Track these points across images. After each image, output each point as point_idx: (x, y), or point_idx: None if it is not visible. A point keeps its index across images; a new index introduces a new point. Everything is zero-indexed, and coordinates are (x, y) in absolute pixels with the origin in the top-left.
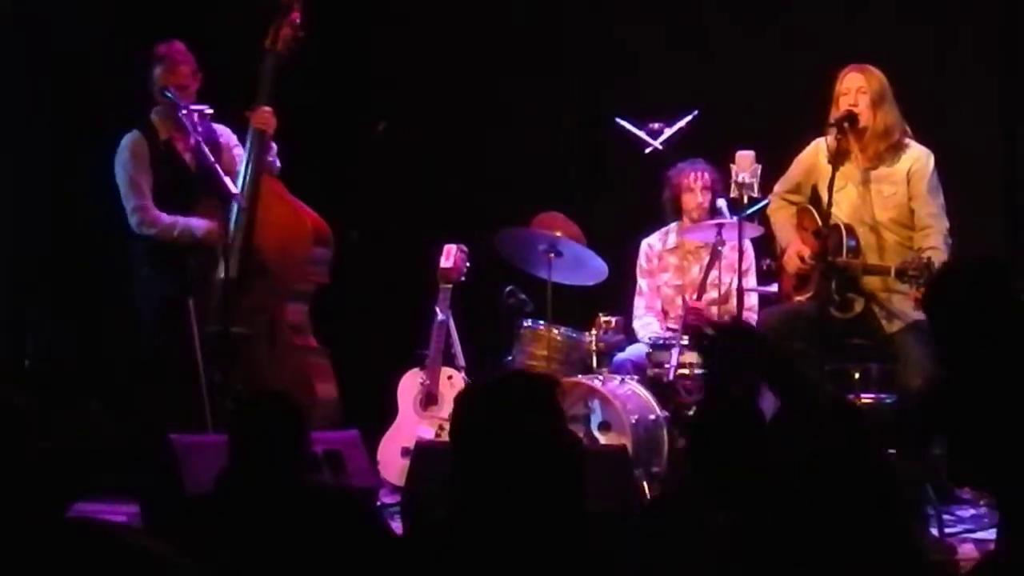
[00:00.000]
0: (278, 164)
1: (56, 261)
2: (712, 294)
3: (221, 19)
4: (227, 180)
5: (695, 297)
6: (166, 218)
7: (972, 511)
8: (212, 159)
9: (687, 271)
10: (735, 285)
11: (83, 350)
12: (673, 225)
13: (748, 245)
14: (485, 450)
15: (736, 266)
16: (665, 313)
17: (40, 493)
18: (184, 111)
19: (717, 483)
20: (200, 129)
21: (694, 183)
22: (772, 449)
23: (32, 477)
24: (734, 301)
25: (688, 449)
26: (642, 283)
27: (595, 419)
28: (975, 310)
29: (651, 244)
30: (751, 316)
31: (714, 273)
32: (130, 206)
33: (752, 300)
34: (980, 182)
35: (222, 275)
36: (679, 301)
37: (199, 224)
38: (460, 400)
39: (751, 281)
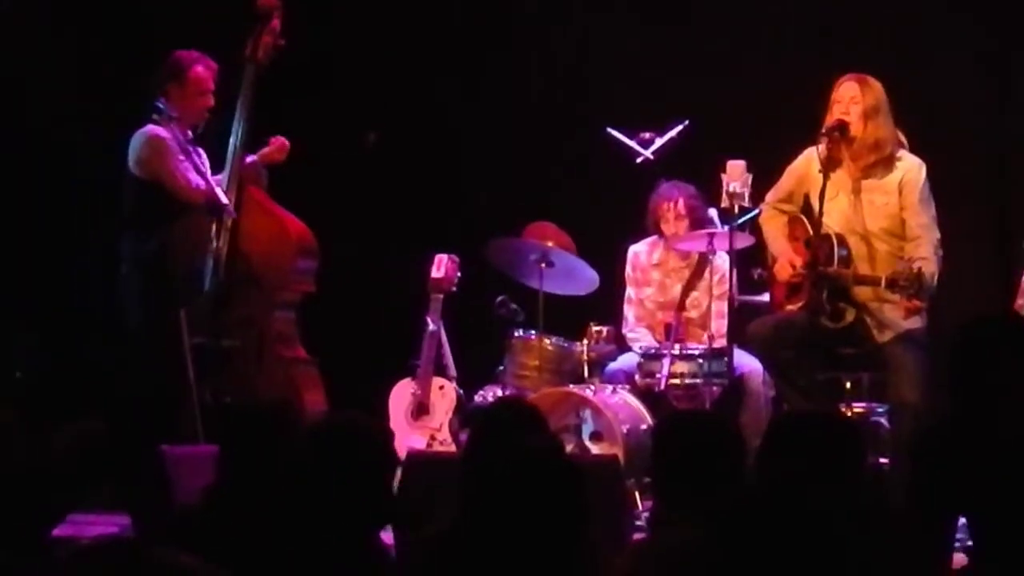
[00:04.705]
0: (265, 176)
1: (42, 271)
2: (692, 313)
3: (199, 28)
4: (219, 192)
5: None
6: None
7: (962, 520)
8: (204, 170)
9: (668, 289)
10: (714, 308)
11: (72, 362)
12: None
13: (724, 262)
14: (489, 467)
15: (722, 282)
16: (649, 327)
17: (27, 506)
18: (174, 124)
19: (681, 497)
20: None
21: (667, 212)
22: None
23: (17, 490)
24: (711, 324)
25: (652, 462)
26: (631, 291)
27: (587, 429)
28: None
29: (638, 253)
30: (721, 324)
31: (694, 294)
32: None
33: (723, 309)
34: (975, 194)
35: (207, 286)
36: (660, 316)
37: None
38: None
39: (724, 307)
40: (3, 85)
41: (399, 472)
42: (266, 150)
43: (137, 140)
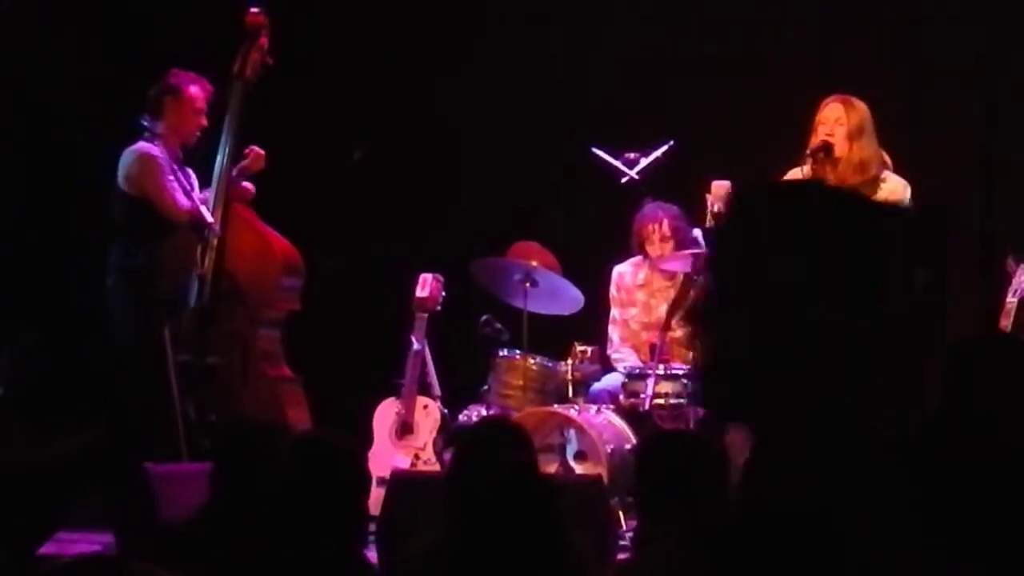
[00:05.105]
0: (252, 190)
1: (42, 272)
2: (678, 333)
3: (188, 46)
4: (203, 209)
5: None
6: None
7: None
8: (190, 189)
9: (653, 309)
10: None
11: (57, 377)
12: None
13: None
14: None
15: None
16: (634, 348)
17: (26, 508)
18: (160, 141)
19: (664, 516)
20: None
21: (652, 234)
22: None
23: (16, 491)
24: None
25: (636, 481)
26: (615, 312)
27: (571, 449)
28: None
29: (622, 273)
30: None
31: (680, 314)
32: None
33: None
34: (957, 213)
35: (193, 303)
36: (644, 336)
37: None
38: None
39: None
40: (3, 85)
41: (384, 491)
42: (244, 162)
43: (128, 157)
